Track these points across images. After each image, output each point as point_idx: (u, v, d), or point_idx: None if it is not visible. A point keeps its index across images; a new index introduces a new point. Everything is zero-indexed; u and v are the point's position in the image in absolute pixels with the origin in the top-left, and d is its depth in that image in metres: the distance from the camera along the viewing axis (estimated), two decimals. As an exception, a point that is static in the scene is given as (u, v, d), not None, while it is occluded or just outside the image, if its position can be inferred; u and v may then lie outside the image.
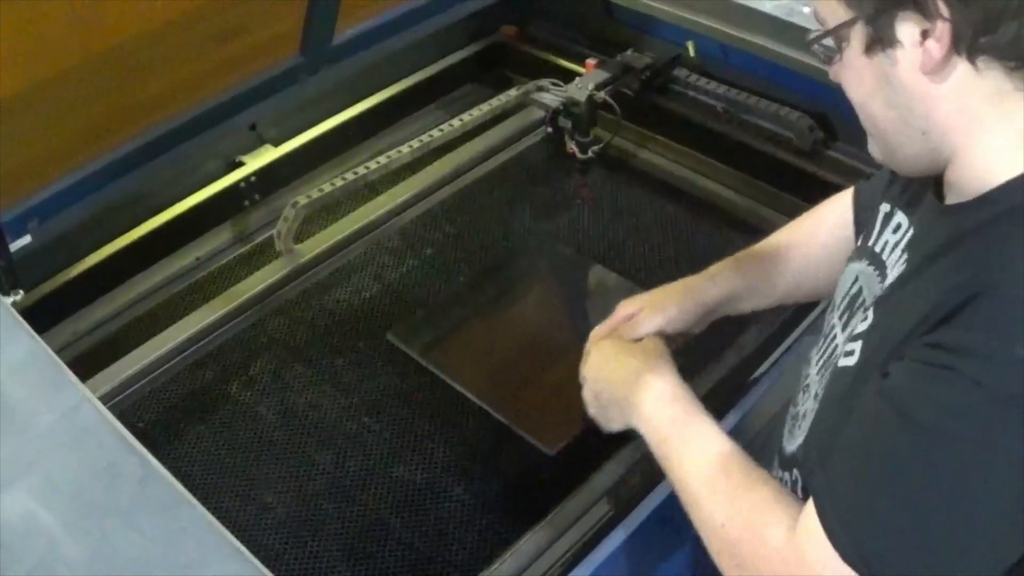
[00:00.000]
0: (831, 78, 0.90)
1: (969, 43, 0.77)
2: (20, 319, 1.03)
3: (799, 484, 0.94)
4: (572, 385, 1.51)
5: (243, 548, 0.83)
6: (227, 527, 0.84)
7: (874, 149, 0.91)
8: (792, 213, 1.74)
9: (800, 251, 1.22)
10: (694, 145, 1.88)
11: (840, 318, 0.99)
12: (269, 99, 1.73)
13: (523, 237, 1.80)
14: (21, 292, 1.35)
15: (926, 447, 0.75)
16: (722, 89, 1.83)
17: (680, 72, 1.90)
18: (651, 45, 1.93)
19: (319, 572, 1.25)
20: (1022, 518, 0.73)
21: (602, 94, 1.83)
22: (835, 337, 0.98)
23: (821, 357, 1.01)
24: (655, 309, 1.22)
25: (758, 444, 1.41)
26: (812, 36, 0.87)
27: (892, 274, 0.90)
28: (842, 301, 1.00)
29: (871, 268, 0.96)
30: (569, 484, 1.27)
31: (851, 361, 0.87)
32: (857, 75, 0.85)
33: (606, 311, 1.59)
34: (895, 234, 0.93)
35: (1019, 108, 0.79)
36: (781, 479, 1.03)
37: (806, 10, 1.70)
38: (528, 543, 1.18)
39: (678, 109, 1.89)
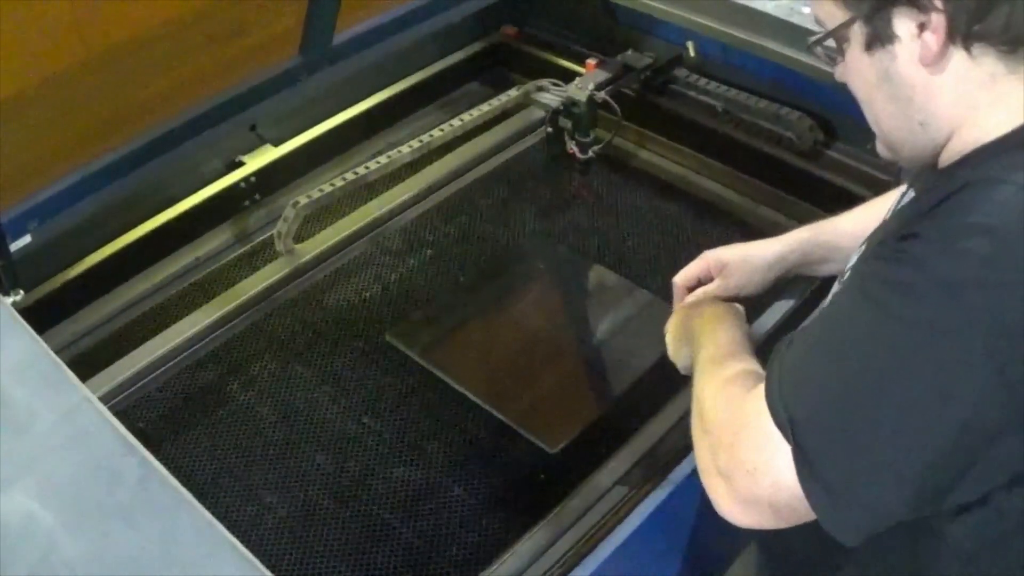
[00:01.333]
0: (837, 78, 0.93)
1: (964, 31, 0.80)
2: (20, 319, 1.03)
3: None
4: (572, 383, 1.52)
5: (243, 548, 0.83)
6: (227, 527, 0.84)
7: (881, 148, 0.94)
8: (792, 213, 1.76)
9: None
10: (694, 145, 1.88)
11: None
12: (269, 99, 1.73)
13: (523, 237, 1.80)
14: (21, 292, 1.35)
15: (866, 319, 0.80)
16: (722, 89, 1.83)
17: (680, 72, 1.90)
18: (651, 45, 1.93)
19: (319, 572, 1.25)
20: (937, 405, 0.76)
21: (602, 94, 1.83)
22: None
23: None
24: (742, 278, 1.31)
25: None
26: (813, 39, 0.90)
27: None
28: (845, 273, 1.05)
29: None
30: (570, 483, 1.27)
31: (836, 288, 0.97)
32: (860, 73, 0.88)
33: (606, 311, 1.60)
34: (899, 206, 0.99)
35: (1012, 89, 0.82)
36: None
37: (806, 10, 1.70)
38: (528, 543, 1.17)
39: (678, 109, 1.89)
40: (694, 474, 1.27)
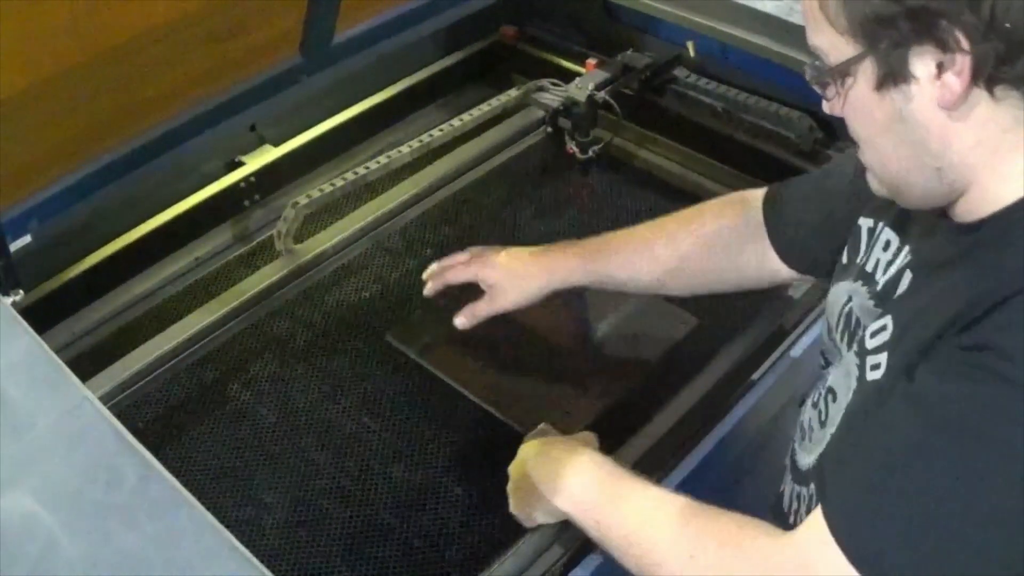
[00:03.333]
0: (826, 111, 0.85)
1: (989, 74, 0.74)
2: (20, 319, 1.03)
3: (814, 500, 0.90)
4: (572, 383, 1.51)
5: (243, 548, 0.82)
6: (227, 527, 0.84)
7: (877, 186, 0.87)
8: (792, 213, 1.75)
9: (672, 245, 1.26)
10: (694, 145, 1.88)
11: (842, 338, 0.97)
12: (269, 99, 1.73)
13: (523, 237, 1.80)
14: (21, 292, 1.35)
15: (949, 445, 0.72)
16: (722, 89, 1.83)
17: (680, 72, 1.90)
18: (651, 45, 1.93)
19: (319, 572, 1.25)
20: None
21: (602, 94, 1.83)
22: (840, 355, 0.96)
23: (826, 379, 0.99)
24: (513, 288, 1.33)
25: (757, 443, 1.42)
26: (814, 73, 0.83)
27: (894, 290, 0.88)
28: (839, 320, 0.98)
29: (862, 286, 0.94)
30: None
31: (879, 374, 0.84)
32: (865, 112, 0.81)
33: (606, 311, 1.60)
34: (885, 252, 0.91)
35: None
36: (796, 493, 1.02)
37: (806, 10, 1.70)
38: (528, 543, 1.17)
39: (678, 109, 1.89)
40: (694, 474, 1.28)
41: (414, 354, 1.53)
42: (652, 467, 1.27)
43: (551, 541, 1.19)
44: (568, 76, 1.92)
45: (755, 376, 1.40)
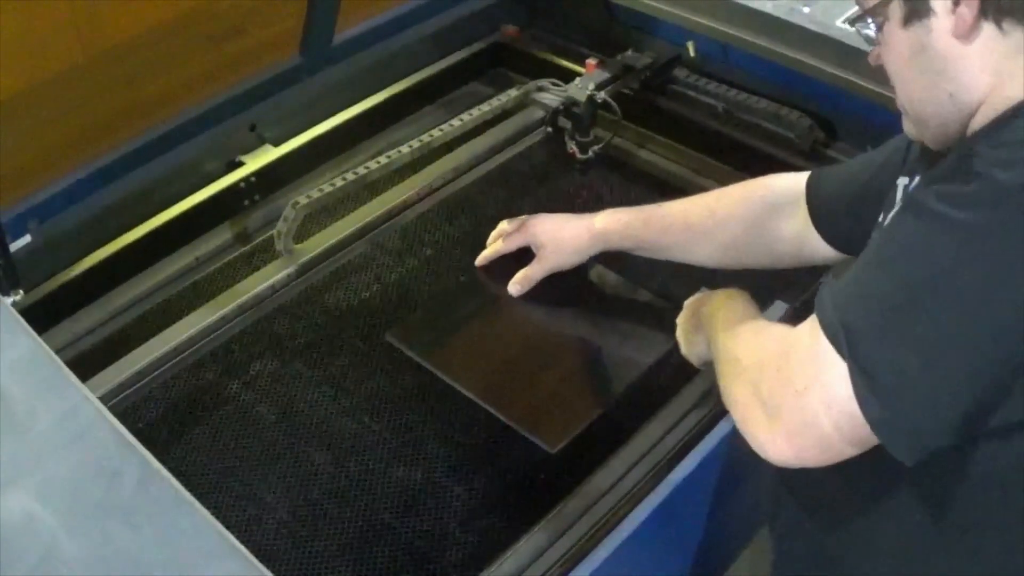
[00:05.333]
0: (871, 62, 0.98)
1: (996, 7, 0.86)
2: (20, 319, 1.03)
3: None
4: (572, 383, 1.51)
5: (243, 548, 0.83)
6: (227, 527, 0.84)
7: (908, 126, 0.99)
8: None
9: (720, 224, 1.39)
10: (694, 145, 1.88)
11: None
12: (269, 99, 1.74)
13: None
14: (21, 292, 1.35)
15: (922, 229, 0.83)
16: (722, 89, 1.83)
17: (680, 72, 1.90)
18: (651, 45, 1.93)
19: (319, 572, 1.25)
20: (991, 308, 0.78)
21: (602, 94, 1.83)
22: None
23: None
24: (555, 259, 1.49)
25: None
26: (853, 16, 0.99)
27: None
28: None
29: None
30: (570, 483, 1.27)
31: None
32: (896, 48, 0.93)
33: (606, 311, 1.60)
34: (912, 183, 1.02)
35: None
36: None
37: (806, 10, 1.70)
38: (528, 543, 1.17)
39: (678, 109, 1.89)
40: (694, 474, 1.28)
41: (414, 354, 1.53)
42: (653, 467, 1.27)
43: (551, 541, 1.19)
44: (568, 76, 1.92)
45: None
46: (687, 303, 1.36)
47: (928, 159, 1.00)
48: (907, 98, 0.96)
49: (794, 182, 1.35)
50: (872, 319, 0.83)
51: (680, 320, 1.34)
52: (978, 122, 0.91)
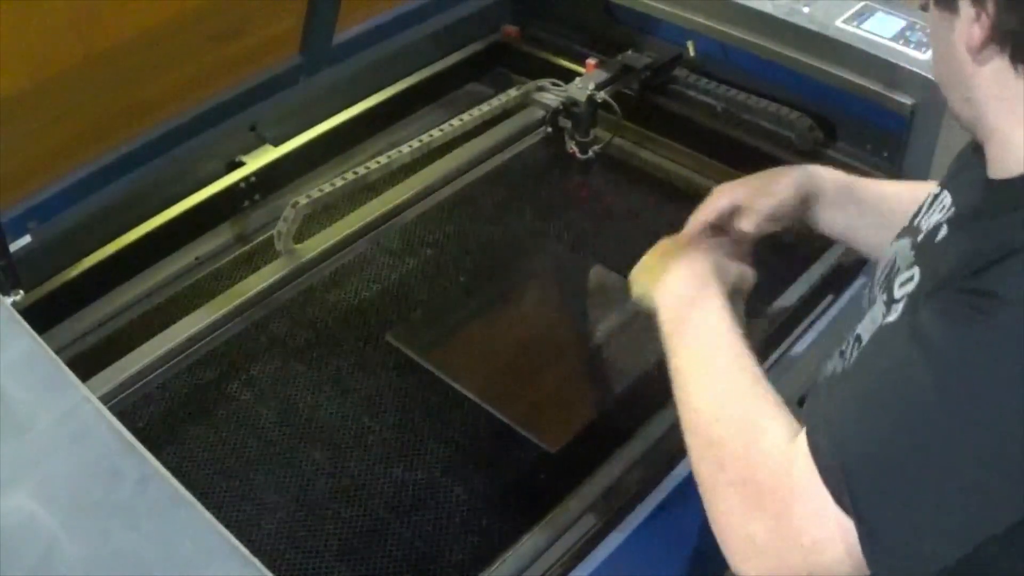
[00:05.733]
0: (919, 7, 0.92)
1: (1011, 45, 0.79)
2: (20, 319, 1.03)
3: None
4: (572, 383, 1.51)
5: (243, 548, 0.83)
6: (227, 527, 0.84)
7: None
8: (792, 213, 1.75)
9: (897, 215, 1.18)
10: (694, 145, 1.88)
11: (879, 287, 0.99)
12: (269, 99, 1.73)
13: (523, 237, 1.80)
14: (21, 292, 1.35)
15: (937, 373, 0.75)
16: (722, 89, 1.83)
17: (680, 72, 1.90)
18: (651, 45, 1.93)
19: (319, 572, 1.25)
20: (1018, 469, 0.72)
21: (602, 94, 1.83)
22: (873, 303, 0.98)
23: (855, 328, 1.00)
24: (764, 194, 1.24)
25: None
26: None
27: (931, 243, 0.91)
28: (883, 271, 1.00)
29: (908, 239, 0.96)
30: (570, 483, 1.27)
31: (892, 318, 0.87)
32: (931, 24, 0.88)
33: (606, 311, 1.60)
34: (940, 213, 0.93)
35: None
36: None
37: (806, 10, 1.70)
38: (528, 543, 1.17)
39: (678, 109, 1.89)
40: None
41: (414, 354, 1.53)
42: (652, 467, 1.27)
43: (551, 541, 1.19)
44: (568, 76, 1.92)
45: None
46: (659, 247, 1.16)
47: (958, 179, 0.94)
48: (937, 75, 0.90)
49: None
50: (878, 469, 0.75)
51: (644, 269, 1.14)
52: (997, 164, 0.84)
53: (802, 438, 0.81)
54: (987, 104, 0.84)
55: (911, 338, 0.78)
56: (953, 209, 0.91)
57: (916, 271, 0.87)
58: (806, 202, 1.23)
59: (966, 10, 0.81)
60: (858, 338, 0.99)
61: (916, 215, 1.00)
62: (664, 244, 1.16)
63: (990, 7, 0.78)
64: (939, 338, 0.76)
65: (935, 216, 0.94)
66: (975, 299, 0.75)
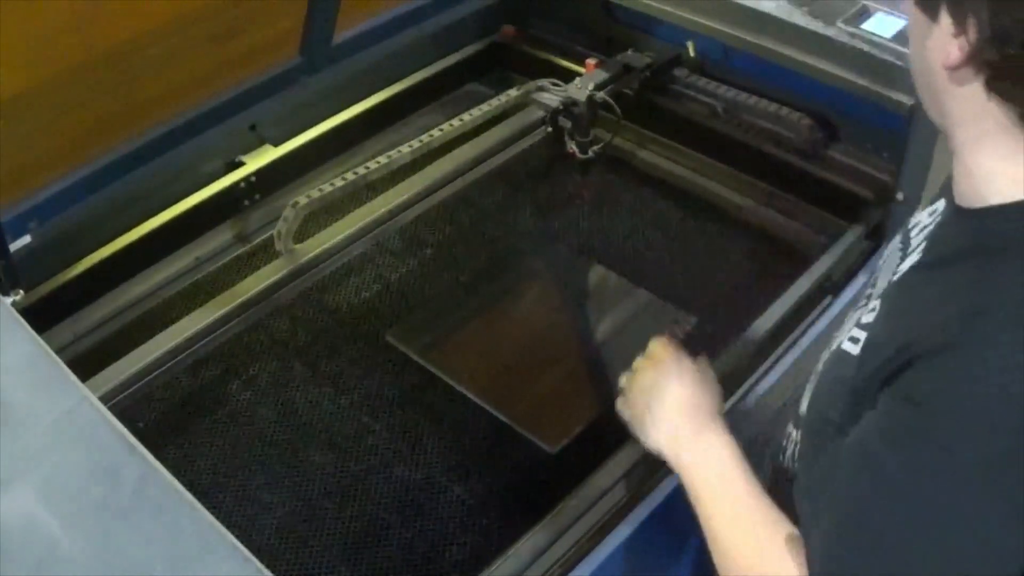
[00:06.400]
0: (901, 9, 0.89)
1: (988, 72, 0.74)
2: (20, 319, 1.03)
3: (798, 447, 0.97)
4: (572, 383, 1.51)
5: (243, 548, 0.83)
6: (227, 527, 0.84)
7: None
8: (792, 213, 1.76)
9: None
10: (694, 145, 1.88)
11: (871, 283, 0.98)
12: (269, 99, 1.73)
13: (523, 237, 1.80)
14: (21, 292, 1.35)
15: (890, 500, 0.77)
16: (722, 89, 1.83)
17: (680, 72, 1.90)
18: (651, 45, 1.93)
19: (319, 572, 1.25)
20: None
21: (602, 94, 1.83)
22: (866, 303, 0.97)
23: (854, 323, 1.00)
24: None
25: (758, 443, 1.41)
26: None
27: (909, 260, 0.89)
28: (874, 275, 0.99)
29: (899, 245, 0.94)
30: (570, 483, 1.27)
31: (854, 350, 0.87)
32: (911, 17, 0.80)
33: (606, 311, 1.60)
34: (929, 217, 0.91)
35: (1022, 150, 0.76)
36: (791, 436, 1.04)
37: (806, 10, 1.70)
38: (528, 543, 1.17)
39: (678, 109, 1.89)
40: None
41: (414, 354, 1.53)
42: (651, 468, 1.27)
43: (551, 541, 1.19)
44: (568, 76, 1.92)
45: (755, 376, 1.40)
46: (639, 371, 1.16)
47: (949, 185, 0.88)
48: (912, 67, 0.83)
49: None
50: None
51: (628, 406, 1.15)
52: (959, 175, 0.81)
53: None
54: (956, 123, 0.79)
55: (863, 468, 0.79)
56: (936, 221, 0.88)
57: (877, 304, 0.88)
58: None
59: (946, 22, 0.74)
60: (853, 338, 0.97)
61: (913, 221, 0.97)
62: (642, 367, 1.16)
63: (972, 32, 0.72)
64: (888, 466, 0.77)
65: (923, 219, 0.92)
66: (908, 410, 0.75)
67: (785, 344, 1.46)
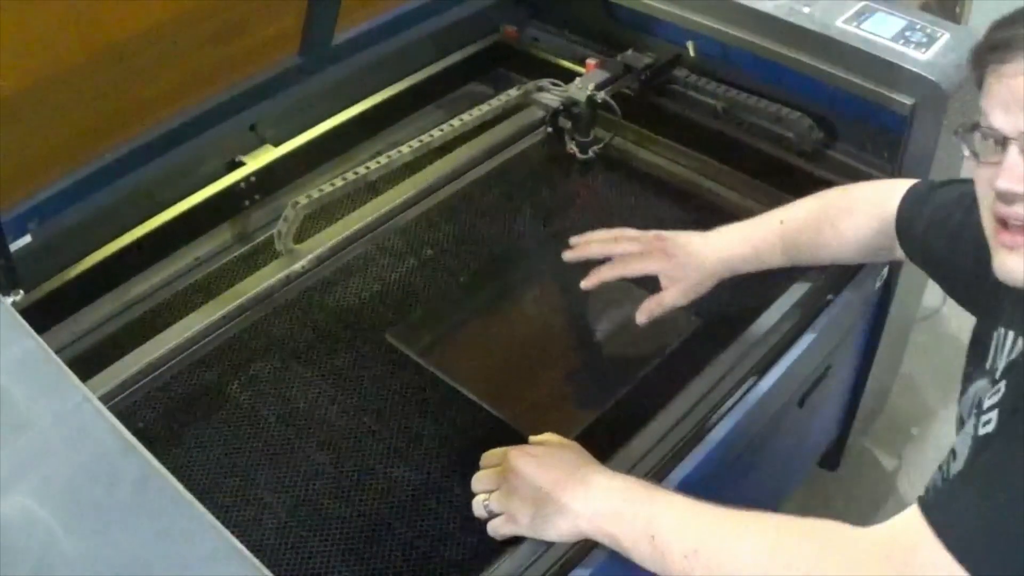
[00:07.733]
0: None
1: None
2: (20, 319, 1.03)
3: None
4: (572, 383, 1.51)
5: (243, 548, 0.83)
6: (227, 527, 0.84)
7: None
8: (792, 213, 1.75)
9: (833, 244, 1.40)
10: (694, 145, 1.88)
11: (967, 414, 1.08)
12: (269, 99, 1.73)
13: (523, 237, 1.80)
14: (21, 292, 1.35)
15: None
16: (722, 89, 1.83)
17: (680, 72, 1.90)
18: (651, 45, 1.93)
19: (319, 572, 1.25)
20: None
21: (602, 94, 1.83)
22: (964, 425, 1.06)
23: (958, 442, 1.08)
24: (685, 281, 1.43)
25: (758, 444, 1.42)
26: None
27: (1012, 365, 0.99)
28: (969, 406, 1.09)
29: (988, 383, 1.04)
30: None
31: (990, 428, 0.95)
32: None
33: (605, 311, 1.60)
34: (1011, 352, 1.01)
35: None
36: None
37: (806, 10, 1.70)
38: (528, 543, 1.17)
39: (678, 109, 1.89)
40: (693, 475, 1.28)
41: (414, 354, 1.53)
42: (651, 468, 1.27)
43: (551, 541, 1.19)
44: (568, 76, 1.92)
45: (756, 376, 1.40)
46: (507, 497, 1.17)
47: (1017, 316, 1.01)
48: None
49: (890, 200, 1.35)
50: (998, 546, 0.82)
51: (513, 520, 1.16)
52: None
53: (910, 521, 0.88)
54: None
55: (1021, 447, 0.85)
56: None
57: (1003, 385, 0.96)
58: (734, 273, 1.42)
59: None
60: (953, 452, 1.08)
61: (983, 360, 1.06)
62: (488, 477, 1.22)
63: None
64: None
65: (1006, 355, 1.01)
66: None
67: (785, 344, 1.46)
